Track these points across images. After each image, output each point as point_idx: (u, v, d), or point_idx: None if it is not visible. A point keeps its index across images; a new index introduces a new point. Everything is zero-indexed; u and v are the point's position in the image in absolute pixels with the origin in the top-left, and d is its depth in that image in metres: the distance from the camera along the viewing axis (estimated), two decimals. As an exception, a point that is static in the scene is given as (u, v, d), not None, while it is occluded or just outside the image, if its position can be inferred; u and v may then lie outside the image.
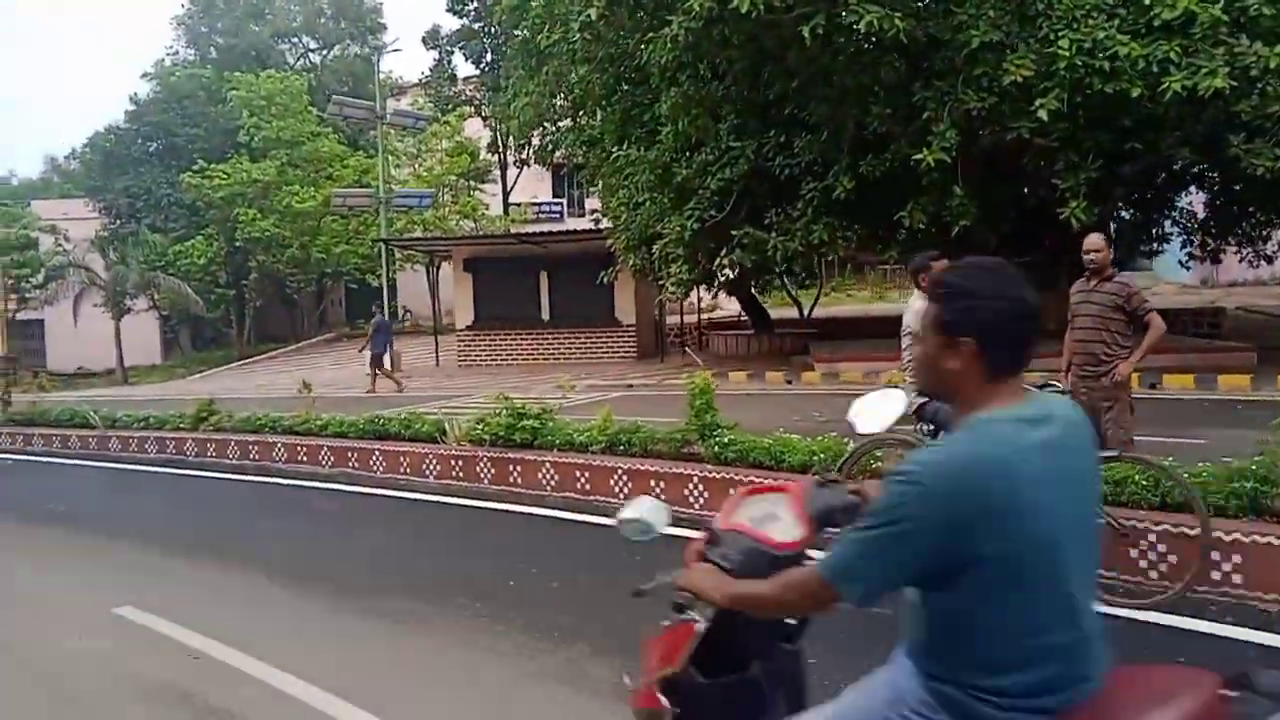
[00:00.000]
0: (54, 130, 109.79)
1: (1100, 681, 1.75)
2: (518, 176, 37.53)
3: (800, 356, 19.78)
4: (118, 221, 38.08)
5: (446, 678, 4.73)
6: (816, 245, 15.87)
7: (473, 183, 36.38)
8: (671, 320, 29.11)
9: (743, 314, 28.11)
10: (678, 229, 16.65)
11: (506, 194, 37.87)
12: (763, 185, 16.50)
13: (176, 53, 46.15)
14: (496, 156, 37.13)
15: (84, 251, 34.34)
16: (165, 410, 14.29)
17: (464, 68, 38.57)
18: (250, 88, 35.60)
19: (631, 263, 19.53)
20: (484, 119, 35.70)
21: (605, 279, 21.13)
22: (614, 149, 19.26)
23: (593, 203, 35.75)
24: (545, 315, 27.51)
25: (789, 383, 16.71)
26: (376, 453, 10.67)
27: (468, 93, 37.92)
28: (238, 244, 35.67)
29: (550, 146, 26.96)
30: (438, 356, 30.01)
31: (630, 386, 17.89)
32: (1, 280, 18.96)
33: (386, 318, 24.00)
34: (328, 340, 40.09)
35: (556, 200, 42.22)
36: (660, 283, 19.31)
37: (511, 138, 30.01)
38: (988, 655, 1.72)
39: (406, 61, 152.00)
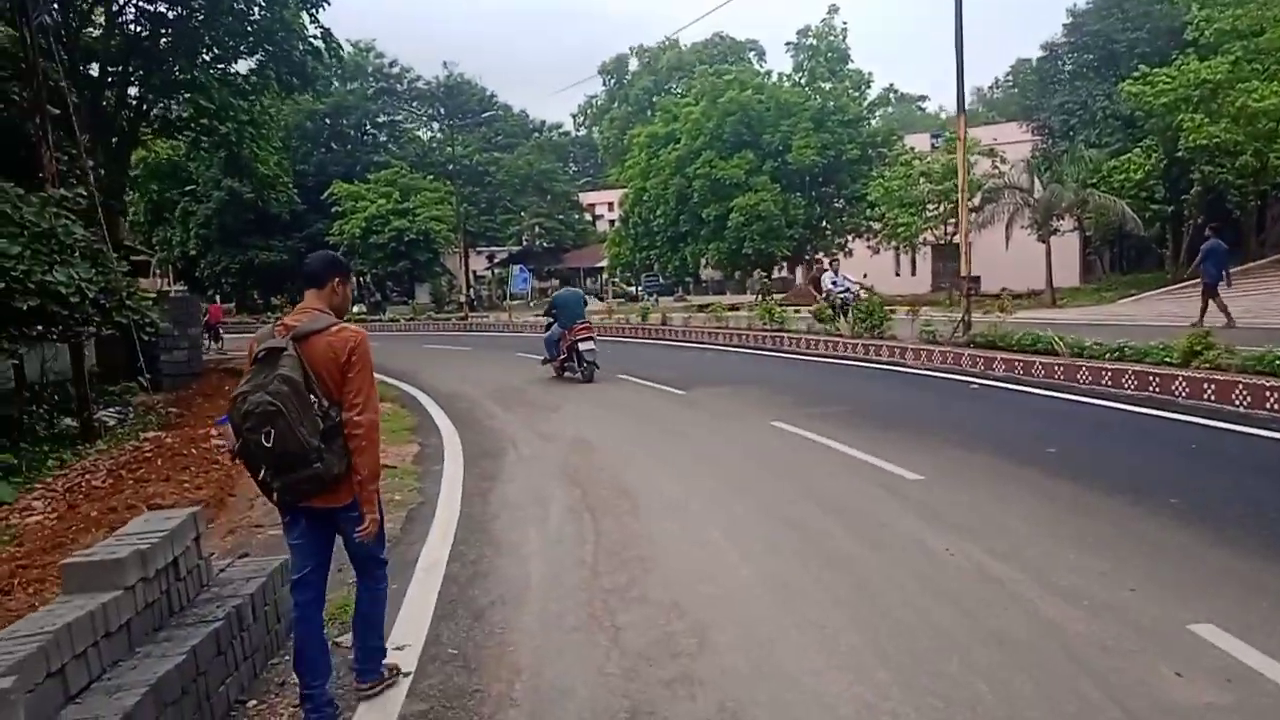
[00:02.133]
0: (978, 64, 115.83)
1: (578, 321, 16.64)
2: None
3: None
4: (1050, 141, 37.34)
5: None
6: None
7: None
8: None
9: None
10: None
11: None
12: None
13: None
14: None
15: (1018, 173, 34.29)
16: (1141, 340, 12.40)
17: None
18: (1201, -23, 31.29)
19: None
20: None
21: None
22: None
23: None
24: None
25: None
26: None
27: None
28: (1178, 154, 32.04)
29: None
30: None
31: None
32: (965, 201, 18.92)
33: (1222, 242, 19.34)
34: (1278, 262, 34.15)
35: None
36: None
37: None
38: (561, 322, 16.59)
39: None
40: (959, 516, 6.49)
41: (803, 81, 46.19)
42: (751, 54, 61.49)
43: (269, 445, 3.70)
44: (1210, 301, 18.47)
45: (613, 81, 75.49)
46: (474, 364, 21.90)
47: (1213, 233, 19.84)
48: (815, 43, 45.67)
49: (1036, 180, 34.70)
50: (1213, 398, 10.09)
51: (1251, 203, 35.53)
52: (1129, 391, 11.28)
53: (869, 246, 44.31)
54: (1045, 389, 12.34)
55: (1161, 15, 35.09)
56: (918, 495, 7.16)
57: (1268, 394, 9.44)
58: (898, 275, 48.34)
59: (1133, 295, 32.19)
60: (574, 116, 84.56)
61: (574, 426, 11.54)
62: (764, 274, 34.54)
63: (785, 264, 50.91)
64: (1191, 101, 30.99)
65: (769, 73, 49.78)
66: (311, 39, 22.20)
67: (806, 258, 48.37)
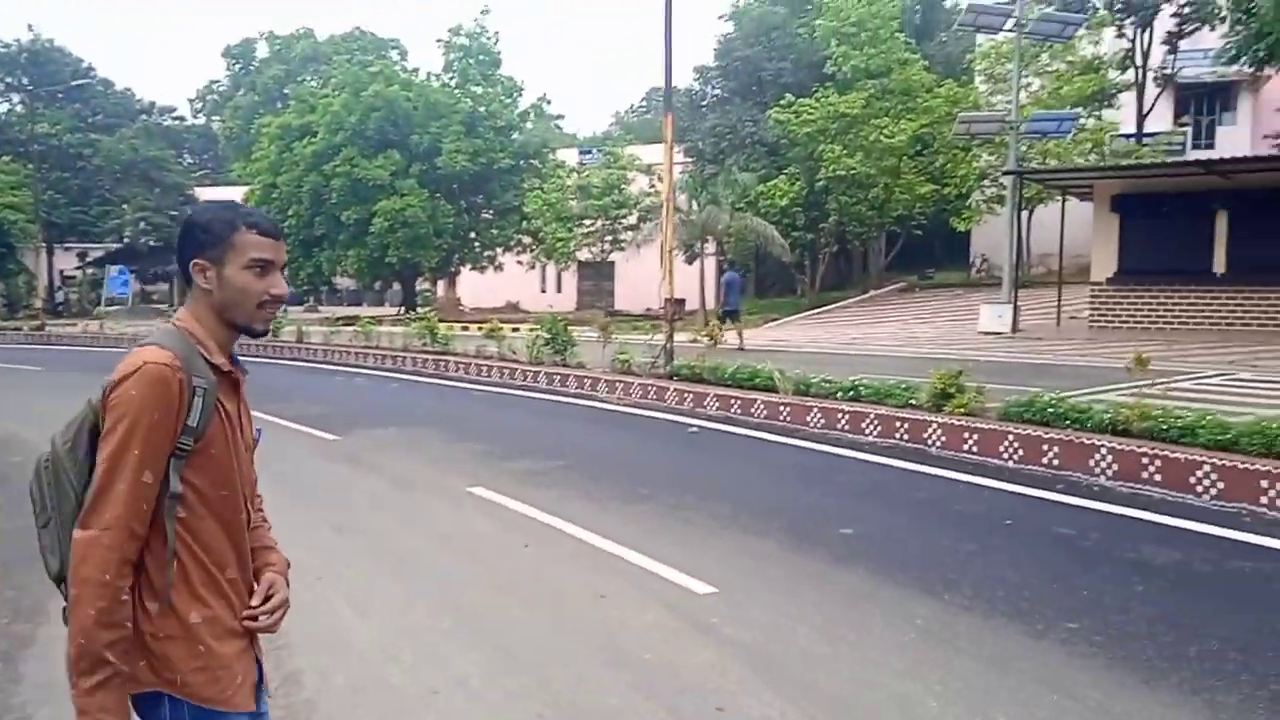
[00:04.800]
0: (616, 90, 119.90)
1: None
2: (1155, 100, 30.70)
3: None
4: (701, 164, 37.67)
5: None
6: None
7: (1095, 108, 30.20)
8: None
9: None
10: None
11: (1141, 120, 31.17)
12: None
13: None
14: (1133, 74, 30.57)
15: (674, 193, 34.04)
16: (815, 368, 11.16)
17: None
18: (838, 15, 32.72)
19: None
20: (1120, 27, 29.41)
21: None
22: None
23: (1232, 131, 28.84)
24: (1219, 269, 22.20)
25: None
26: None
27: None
28: (819, 182, 33.34)
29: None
30: (1059, 316, 25.27)
31: None
32: (669, 221, 17.32)
33: (738, 274, 23.59)
34: (900, 290, 36.76)
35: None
36: None
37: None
38: None
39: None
40: (820, 679, 4.29)
41: (453, 83, 43.46)
42: (394, 52, 57.73)
43: None
44: (730, 323, 20.71)
45: (238, 67, 68.15)
46: (45, 391, 16.81)
47: (729, 267, 23.36)
48: (467, 43, 43.13)
49: (691, 201, 34.70)
50: (975, 450, 8.88)
51: (873, 235, 37.98)
52: (871, 439, 9.92)
53: (519, 261, 42.55)
54: (771, 432, 10.75)
55: (804, 48, 36.49)
56: (730, 629, 4.88)
57: (1044, 447, 8.31)
58: (543, 291, 47.05)
59: (775, 320, 32.74)
60: (191, 102, 75.52)
61: (186, 499, 8.15)
62: (428, 286, 31.40)
63: (429, 276, 47.84)
64: (831, 133, 32.36)
65: (417, 70, 46.44)
66: None
67: (452, 270, 45.61)
